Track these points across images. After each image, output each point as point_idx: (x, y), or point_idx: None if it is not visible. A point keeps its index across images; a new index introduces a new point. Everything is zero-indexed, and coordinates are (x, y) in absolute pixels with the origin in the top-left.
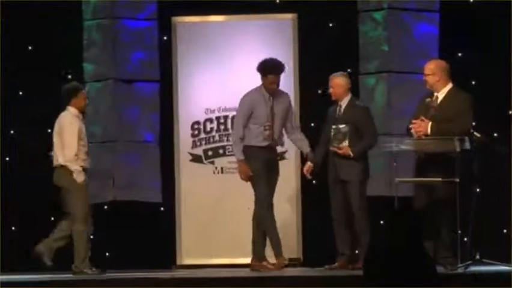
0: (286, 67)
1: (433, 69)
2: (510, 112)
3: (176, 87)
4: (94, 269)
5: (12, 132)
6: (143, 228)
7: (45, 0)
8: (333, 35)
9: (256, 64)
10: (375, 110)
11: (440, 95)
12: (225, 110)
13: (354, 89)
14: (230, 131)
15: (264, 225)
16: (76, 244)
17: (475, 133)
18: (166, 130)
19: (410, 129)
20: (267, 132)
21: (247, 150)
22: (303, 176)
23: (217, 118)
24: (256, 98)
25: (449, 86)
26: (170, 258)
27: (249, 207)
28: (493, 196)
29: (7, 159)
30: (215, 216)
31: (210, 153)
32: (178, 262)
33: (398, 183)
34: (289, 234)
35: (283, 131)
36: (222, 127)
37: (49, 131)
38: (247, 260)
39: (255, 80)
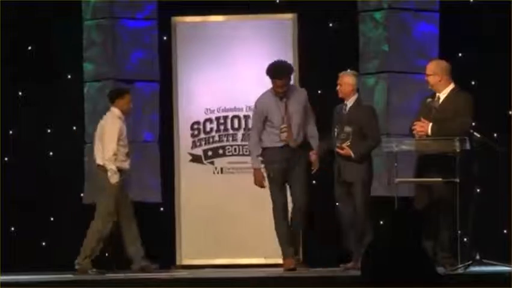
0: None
1: (434, 69)
2: (510, 112)
3: (176, 87)
4: (93, 270)
5: (11, 132)
6: (142, 229)
7: (45, 0)
8: (333, 35)
9: (255, 64)
10: None
11: (442, 96)
12: (225, 110)
13: None
14: (230, 131)
15: (275, 226)
16: (86, 240)
17: (475, 133)
18: (166, 130)
19: (413, 130)
20: (284, 135)
21: (265, 153)
22: None
23: (217, 118)
24: (267, 102)
25: (451, 86)
26: (170, 259)
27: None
28: (493, 196)
29: (6, 159)
30: (215, 217)
31: (209, 153)
32: (178, 262)
33: (398, 183)
34: None
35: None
36: (222, 127)
37: (48, 131)
38: (248, 260)
39: (255, 80)
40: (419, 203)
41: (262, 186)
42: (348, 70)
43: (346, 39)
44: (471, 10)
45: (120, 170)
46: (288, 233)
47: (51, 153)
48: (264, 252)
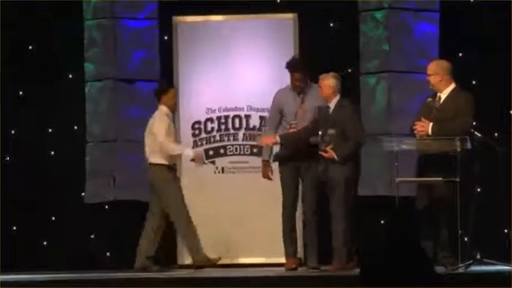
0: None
1: (435, 69)
2: (511, 112)
3: (177, 86)
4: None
5: (12, 132)
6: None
7: (45, 0)
8: (333, 35)
9: (256, 64)
10: (375, 110)
11: (443, 95)
12: (226, 109)
13: (355, 88)
14: (231, 131)
15: (282, 225)
16: (188, 241)
17: (476, 133)
18: None
19: (413, 129)
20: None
21: (281, 152)
22: None
23: (218, 118)
24: (283, 95)
25: (452, 86)
26: (171, 259)
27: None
28: (494, 196)
29: (7, 158)
30: (215, 216)
31: (210, 153)
32: (179, 262)
33: (399, 183)
34: None
35: None
36: (223, 127)
37: (50, 130)
38: (248, 260)
39: (256, 80)
40: (420, 203)
41: (268, 179)
42: (331, 73)
43: (347, 39)
44: (471, 10)
45: (170, 167)
46: (292, 233)
47: (52, 153)
48: (265, 251)
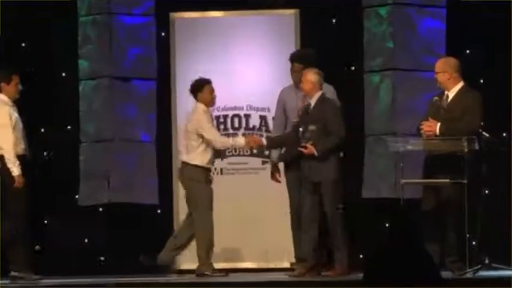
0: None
1: (443, 67)
2: None
3: (174, 85)
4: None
5: None
6: (139, 232)
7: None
8: (336, 32)
9: (256, 61)
10: (379, 109)
11: (451, 94)
12: (225, 109)
13: (359, 87)
14: (230, 131)
15: (291, 226)
16: (197, 245)
17: (484, 133)
18: (164, 130)
19: (420, 129)
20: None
21: (284, 153)
22: None
23: (217, 117)
24: (286, 92)
25: (460, 84)
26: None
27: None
28: (502, 198)
29: None
30: (214, 219)
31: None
32: (177, 267)
33: (404, 184)
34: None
35: None
36: (222, 127)
37: (42, 130)
38: (248, 265)
39: (256, 78)
40: (426, 205)
41: (277, 181)
42: (313, 68)
43: (350, 35)
44: (479, 6)
45: (205, 169)
46: (298, 237)
47: (45, 153)
48: (266, 255)
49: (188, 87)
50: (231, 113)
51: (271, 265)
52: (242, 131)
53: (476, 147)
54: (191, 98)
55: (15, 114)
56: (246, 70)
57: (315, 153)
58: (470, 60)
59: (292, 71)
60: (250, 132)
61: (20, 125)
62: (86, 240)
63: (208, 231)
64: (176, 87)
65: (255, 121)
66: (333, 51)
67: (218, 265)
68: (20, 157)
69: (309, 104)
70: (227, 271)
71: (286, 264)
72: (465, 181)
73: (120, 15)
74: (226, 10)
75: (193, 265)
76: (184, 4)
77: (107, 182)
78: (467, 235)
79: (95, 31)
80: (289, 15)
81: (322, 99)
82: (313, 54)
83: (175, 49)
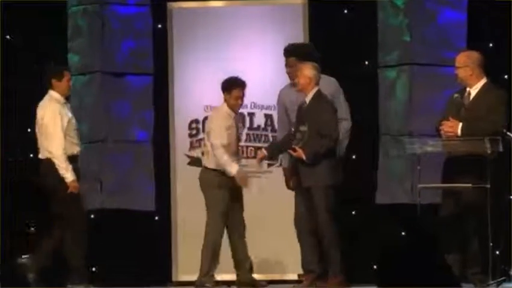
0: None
1: (465, 61)
2: None
3: (172, 80)
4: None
5: None
6: (134, 240)
7: None
8: (348, 23)
9: (261, 55)
10: (395, 107)
11: (473, 91)
12: None
13: (372, 83)
14: None
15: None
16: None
17: (509, 133)
18: (161, 129)
19: (440, 130)
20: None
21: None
22: None
23: None
24: (285, 91)
25: (483, 81)
26: (166, 274)
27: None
28: None
29: None
30: None
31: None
32: (174, 278)
33: (421, 189)
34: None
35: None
36: None
37: (29, 130)
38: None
39: (261, 74)
40: (445, 211)
41: (292, 190)
42: (309, 62)
43: (363, 27)
44: None
45: (221, 173)
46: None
47: (31, 155)
48: (271, 267)
49: (187, 82)
50: None
51: (277, 277)
52: (246, 130)
53: (501, 149)
54: (190, 94)
55: (68, 113)
56: (249, 66)
57: (304, 157)
58: (493, 54)
59: (287, 66)
60: (255, 132)
61: (74, 124)
62: None
63: (213, 240)
64: (175, 83)
65: (259, 120)
66: (345, 45)
67: (222, 277)
68: (72, 158)
69: (304, 102)
70: (229, 284)
71: (293, 276)
72: (488, 185)
73: (113, 4)
74: (229, 0)
75: (192, 277)
76: None
77: (99, 186)
78: (491, 244)
79: (87, 22)
80: (297, 4)
81: (317, 97)
82: (310, 46)
83: (172, 42)
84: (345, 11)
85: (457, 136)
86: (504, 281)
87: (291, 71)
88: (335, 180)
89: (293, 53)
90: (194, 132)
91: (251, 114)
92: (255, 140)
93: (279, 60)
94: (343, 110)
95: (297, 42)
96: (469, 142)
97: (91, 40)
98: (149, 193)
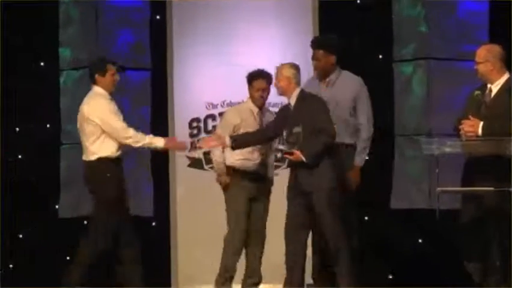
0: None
1: (486, 55)
2: None
3: (171, 76)
4: None
5: None
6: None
7: None
8: (362, 15)
9: (266, 50)
10: (411, 104)
11: (494, 88)
12: (230, 104)
13: (387, 78)
14: None
15: None
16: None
17: None
18: (159, 128)
19: (459, 129)
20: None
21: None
22: None
23: (221, 114)
24: (308, 86)
25: (505, 76)
26: (165, 283)
27: None
28: None
29: None
30: (217, 233)
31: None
32: (174, 287)
33: (440, 193)
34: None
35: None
36: None
37: (17, 129)
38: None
39: (266, 69)
40: (465, 217)
41: None
42: (287, 62)
43: (377, 19)
44: None
45: (241, 171)
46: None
47: (20, 157)
48: (274, 274)
49: (187, 78)
50: None
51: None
52: None
53: None
54: (190, 91)
55: (115, 109)
56: (253, 61)
57: (304, 159)
58: None
59: (314, 58)
60: None
61: None
62: (68, 258)
63: (231, 248)
64: (174, 79)
65: (266, 119)
66: (357, 37)
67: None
68: (115, 161)
69: (289, 104)
70: None
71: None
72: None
73: None
74: None
75: (192, 286)
76: None
77: None
78: None
79: (79, 12)
80: None
81: (301, 97)
82: (336, 40)
83: (172, 35)
84: (358, 1)
85: (478, 136)
86: None
87: (318, 65)
88: (335, 183)
89: (322, 46)
90: (195, 131)
91: None
92: None
93: (285, 55)
94: (364, 113)
95: (325, 35)
96: (490, 142)
97: (84, 32)
98: (146, 197)
